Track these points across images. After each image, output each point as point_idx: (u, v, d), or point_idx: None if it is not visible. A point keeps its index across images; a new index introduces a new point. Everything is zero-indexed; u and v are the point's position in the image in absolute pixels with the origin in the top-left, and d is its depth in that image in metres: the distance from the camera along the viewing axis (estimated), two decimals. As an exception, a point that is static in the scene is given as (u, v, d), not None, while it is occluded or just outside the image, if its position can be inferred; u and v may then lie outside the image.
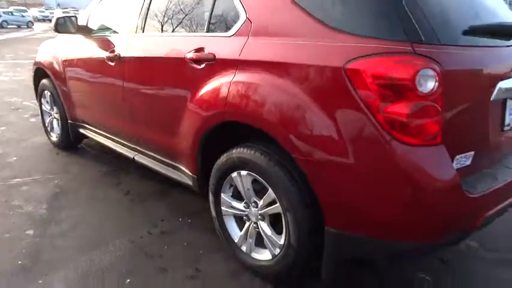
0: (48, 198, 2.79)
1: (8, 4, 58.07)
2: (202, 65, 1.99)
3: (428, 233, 1.53)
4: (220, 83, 1.89)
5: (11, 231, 2.36)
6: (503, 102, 1.73)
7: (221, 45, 1.95)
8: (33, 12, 41.23)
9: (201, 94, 2.00)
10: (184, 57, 2.07)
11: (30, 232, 2.36)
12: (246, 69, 1.79)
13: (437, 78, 1.39)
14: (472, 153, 1.59)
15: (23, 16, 32.36)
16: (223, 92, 1.86)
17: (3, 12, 31.49)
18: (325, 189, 1.59)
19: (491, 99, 1.61)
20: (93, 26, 3.07)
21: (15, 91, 5.06)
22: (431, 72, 1.38)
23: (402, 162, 1.41)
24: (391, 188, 1.45)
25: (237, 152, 1.87)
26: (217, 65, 1.93)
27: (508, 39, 1.73)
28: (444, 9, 1.57)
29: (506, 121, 1.76)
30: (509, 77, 1.67)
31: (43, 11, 47.85)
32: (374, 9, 1.49)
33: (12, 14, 31.92)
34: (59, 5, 66.85)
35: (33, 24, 32.84)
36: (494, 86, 1.60)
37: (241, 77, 1.80)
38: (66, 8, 50.72)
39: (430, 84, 1.38)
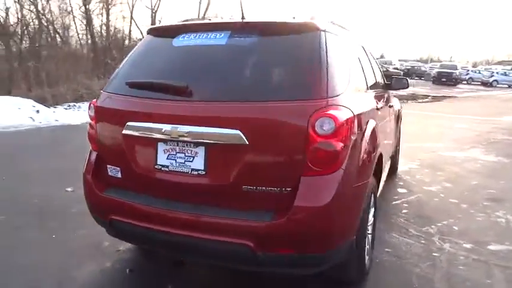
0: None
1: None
2: None
3: (95, 213, 2.40)
4: None
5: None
6: (155, 143, 2.11)
7: None
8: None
9: None
10: None
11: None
12: None
13: (94, 109, 2.37)
14: (119, 169, 2.24)
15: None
16: None
17: (496, 73, 32.40)
18: None
19: (123, 132, 2.18)
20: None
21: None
22: (93, 106, 2.38)
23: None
24: None
25: None
26: None
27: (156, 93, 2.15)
28: (127, 70, 2.40)
29: (159, 161, 2.11)
30: (141, 121, 2.11)
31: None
32: None
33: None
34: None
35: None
36: (124, 123, 2.16)
37: None
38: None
39: (91, 113, 2.39)
